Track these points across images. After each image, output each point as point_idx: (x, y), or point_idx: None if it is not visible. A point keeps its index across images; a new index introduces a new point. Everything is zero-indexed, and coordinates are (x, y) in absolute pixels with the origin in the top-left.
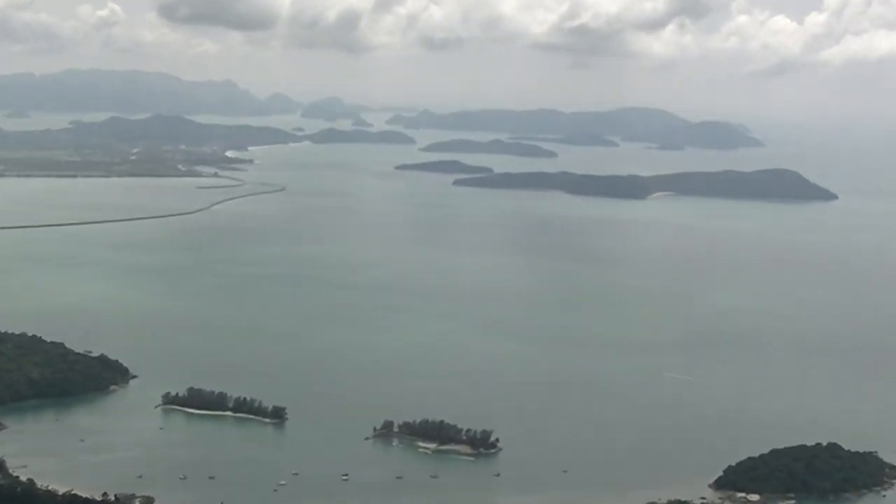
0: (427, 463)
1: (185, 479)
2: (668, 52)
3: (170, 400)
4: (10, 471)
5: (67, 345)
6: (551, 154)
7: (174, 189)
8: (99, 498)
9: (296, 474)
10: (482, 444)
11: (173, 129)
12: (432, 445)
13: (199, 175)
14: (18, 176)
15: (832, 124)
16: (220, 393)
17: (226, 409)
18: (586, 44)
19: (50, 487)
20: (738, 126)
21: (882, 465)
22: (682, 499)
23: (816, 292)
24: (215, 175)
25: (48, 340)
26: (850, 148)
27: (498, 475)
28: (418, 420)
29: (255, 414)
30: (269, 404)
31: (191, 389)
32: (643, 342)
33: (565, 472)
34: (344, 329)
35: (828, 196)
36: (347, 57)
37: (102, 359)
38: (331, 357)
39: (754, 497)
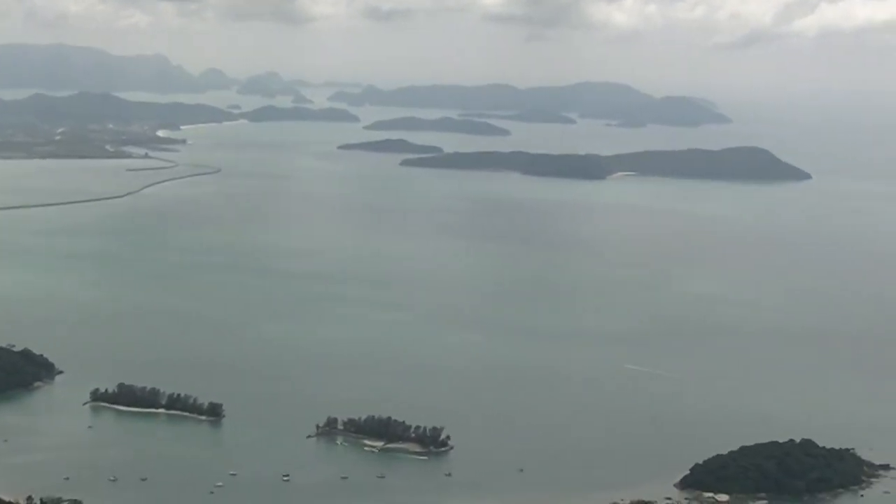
0: (373, 462)
1: (115, 480)
2: (630, 23)
3: (98, 397)
4: None
5: None
6: (504, 132)
7: (102, 171)
8: (23, 502)
9: (233, 475)
10: (432, 442)
11: (101, 107)
12: (379, 444)
13: (129, 156)
14: None
15: (806, 99)
16: (153, 389)
17: (158, 406)
18: (543, 15)
19: None
20: (705, 102)
21: (859, 462)
22: (646, 499)
23: (791, 279)
24: (146, 156)
25: None
26: (824, 124)
27: (449, 475)
28: (364, 417)
29: (190, 411)
30: (204, 401)
31: (121, 385)
32: (605, 333)
33: (521, 471)
34: (285, 320)
35: (801, 175)
36: (287, 29)
37: (26, 353)
38: (271, 350)
39: (723, 497)
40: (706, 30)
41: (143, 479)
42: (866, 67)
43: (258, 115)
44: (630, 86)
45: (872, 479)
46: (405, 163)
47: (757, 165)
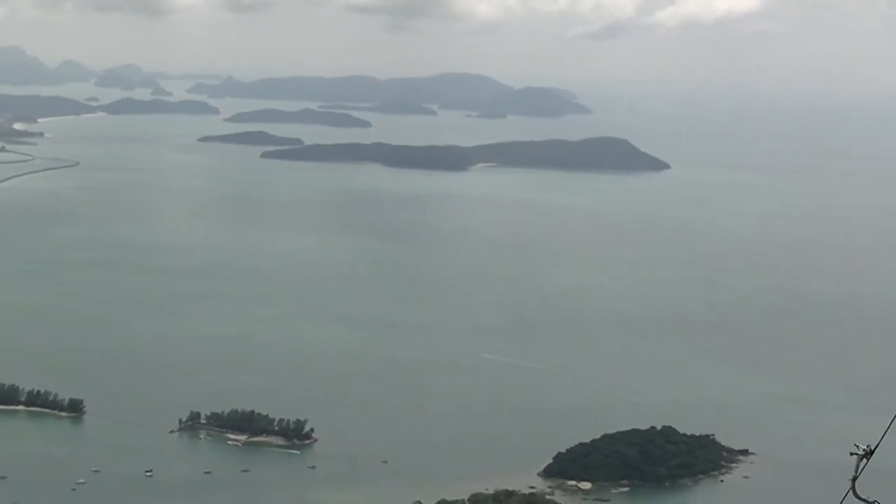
0: (237, 456)
1: None
2: (492, 14)
3: None
4: None
5: None
6: (365, 124)
7: None
8: None
9: (96, 471)
10: (296, 435)
11: None
12: (243, 437)
13: None
14: None
15: (666, 90)
16: (12, 386)
17: (18, 402)
18: (404, 5)
19: None
20: (565, 92)
21: (719, 448)
22: (510, 489)
23: (650, 269)
24: (2, 150)
25: None
26: (684, 114)
27: (313, 468)
28: (227, 411)
29: (51, 408)
30: (65, 397)
31: None
32: (467, 324)
33: (385, 462)
34: (148, 316)
35: (660, 166)
36: (146, 21)
37: None
38: (134, 346)
39: (586, 485)
40: (568, 21)
41: (3, 478)
42: (726, 58)
43: (117, 108)
44: (491, 77)
45: (732, 465)
46: (266, 155)
47: (617, 156)
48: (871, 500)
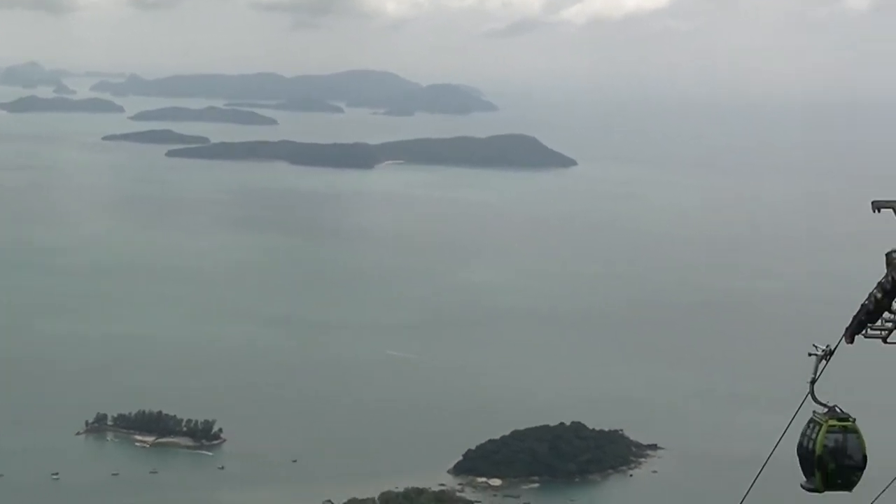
0: (145, 458)
1: None
2: (400, 12)
3: None
4: None
5: None
6: (272, 121)
7: None
8: None
9: (0, 476)
10: (204, 436)
11: None
12: (150, 439)
13: None
14: None
15: (574, 87)
16: None
17: None
18: (312, 3)
19: None
20: (472, 90)
21: (628, 443)
22: (420, 486)
23: (558, 264)
24: None
25: None
26: (591, 111)
27: (222, 468)
28: (134, 412)
29: None
30: None
31: None
32: (375, 323)
33: (294, 462)
34: (52, 318)
35: (567, 162)
36: (48, 17)
37: None
38: (38, 348)
39: (496, 482)
40: (476, 18)
41: None
42: (634, 55)
43: (18, 106)
44: (398, 74)
45: (641, 459)
46: (171, 153)
47: (523, 153)
48: (829, 404)
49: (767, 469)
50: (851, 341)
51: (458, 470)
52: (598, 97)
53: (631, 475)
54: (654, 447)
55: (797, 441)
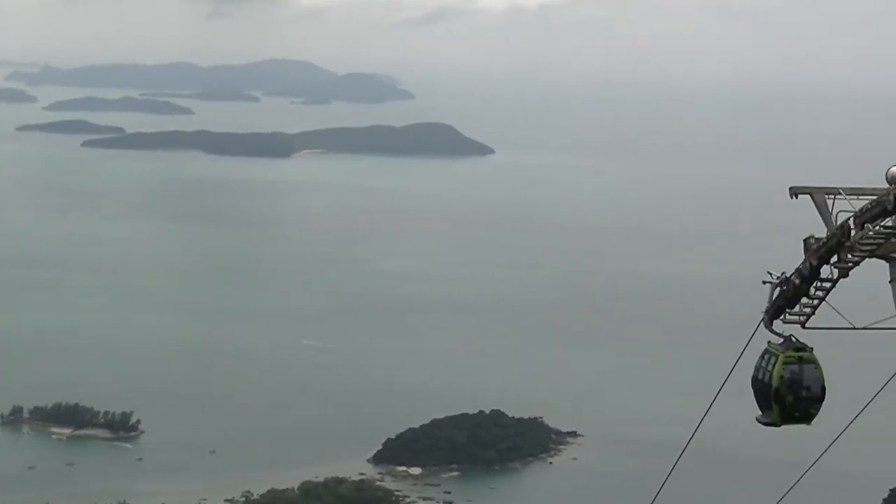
0: (62, 450)
1: None
2: (316, 0)
3: None
4: None
5: None
6: (188, 111)
7: None
8: None
9: None
10: (122, 427)
11: None
12: (67, 431)
13: None
14: None
15: (490, 75)
16: None
17: None
18: None
19: None
20: (388, 78)
21: (548, 431)
22: (340, 476)
23: (476, 252)
24: None
25: None
26: (508, 99)
27: (140, 459)
28: (51, 404)
29: None
30: None
31: None
32: (293, 311)
33: (213, 452)
34: None
35: (484, 150)
36: None
37: None
38: None
39: (416, 470)
40: (392, 6)
41: None
42: (551, 43)
43: None
44: (314, 63)
45: (561, 447)
46: (87, 144)
47: (440, 141)
48: (785, 334)
49: (688, 453)
50: (770, 325)
51: (377, 459)
52: (516, 85)
53: (551, 462)
54: (573, 434)
55: (751, 374)
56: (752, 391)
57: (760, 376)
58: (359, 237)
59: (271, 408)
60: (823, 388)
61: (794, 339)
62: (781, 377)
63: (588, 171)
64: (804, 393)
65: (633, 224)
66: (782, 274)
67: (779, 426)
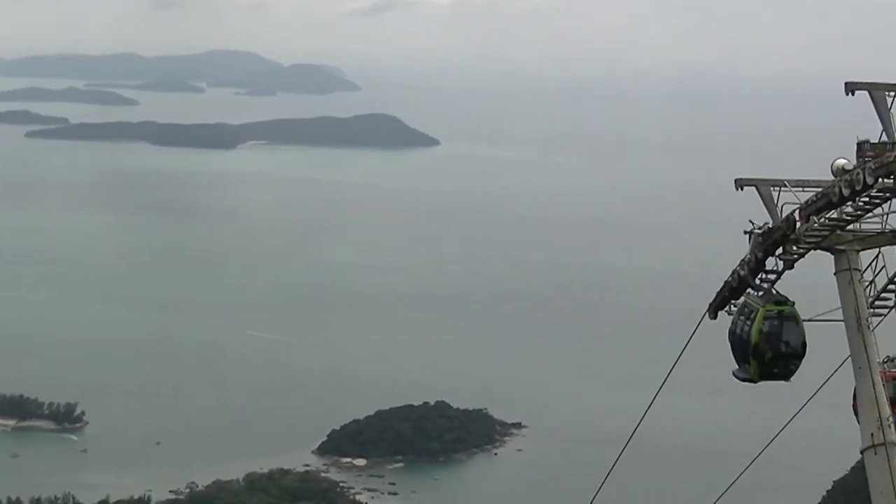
0: (6, 442)
1: None
2: None
3: None
4: None
5: None
6: (133, 102)
7: None
8: None
9: None
10: (66, 419)
11: None
12: (11, 422)
13: None
14: None
15: (436, 67)
16: None
17: None
18: None
19: None
20: (334, 69)
21: (493, 422)
22: (285, 467)
23: (425, 245)
24: None
25: None
26: (454, 91)
27: (85, 451)
28: None
29: None
30: None
31: None
32: (237, 303)
33: (158, 444)
34: None
35: (429, 142)
36: None
37: None
38: None
39: (361, 462)
40: None
41: None
42: (497, 34)
43: None
44: (258, 53)
45: (506, 438)
46: (30, 135)
47: (386, 132)
48: (764, 285)
49: (632, 445)
50: (715, 317)
51: (322, 450)
52: (462, 77)
53: (496, 454)
54: (518, 426)
55: (728, 328)
56: (728, 345)
57: (738, 331)
58: (305, 229)
59: (216, 399)
60: (804, 345)
61: (775, 292)
62: (761, 331)
63: (534, 163)
64: (784, 348)
65: (577, 217)
66: (764, 224)
67: (756, 382)
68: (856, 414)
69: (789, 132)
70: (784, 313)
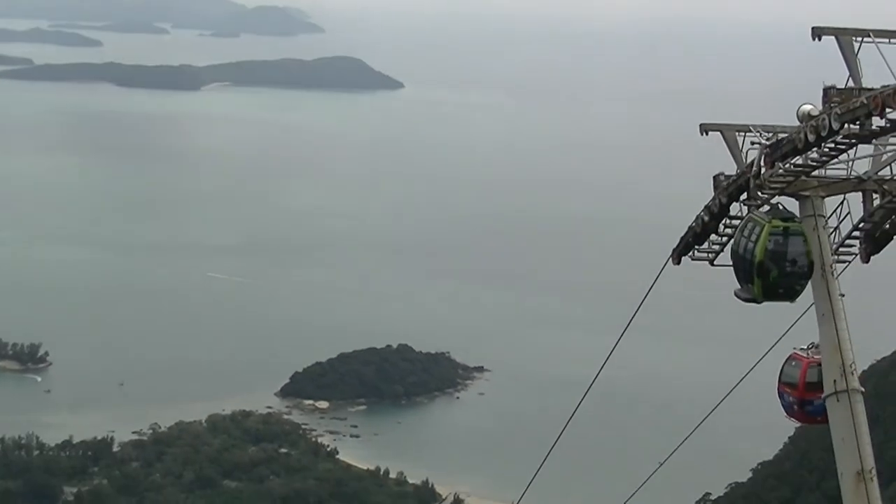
0: None
1: None
2: None
3: None
4: None
5: None
6: (97, 43)
7: None
8: None
9: None
10: (30, 359)
11: None
12: None
13: None
14: None
15: (401, 9)
16: None
17: None
18: None
19: None
20: (297, 11)
21: (455, 366)
22: (247, 409)
23: (385, 188)
24: None
25: None
26: (420, 34)
27: (48, 392)
28: None
29: None
30: None
31: None
32: (198, 245)
33: (121, 385)
34: None
35: (393, 85)
36: None
37: None
38: None
39: (323, 404)
40: None
41: None
42: None
43: None
44: None
45: (468, 381)
46: None
47: (350, 75)
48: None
49: (594, 391)
50: (678, 262)
51: (284, 392)
52: (429, 19)
53: (458, 397)
54: (480, 370)
55: (731, 246)
56: (731, 262)
57: (742, 248)
58: (266, 171)
59: (178, 340)
60: (811, 263)
61: (781, 207)
62: (766, 249)
63: (498, 107)
64: (789, 267)
65: (542, 162)
66: (771, 135)
67: (759, 303)
68: (780, 396)
69: (757, 78)
70: (790, 230)
